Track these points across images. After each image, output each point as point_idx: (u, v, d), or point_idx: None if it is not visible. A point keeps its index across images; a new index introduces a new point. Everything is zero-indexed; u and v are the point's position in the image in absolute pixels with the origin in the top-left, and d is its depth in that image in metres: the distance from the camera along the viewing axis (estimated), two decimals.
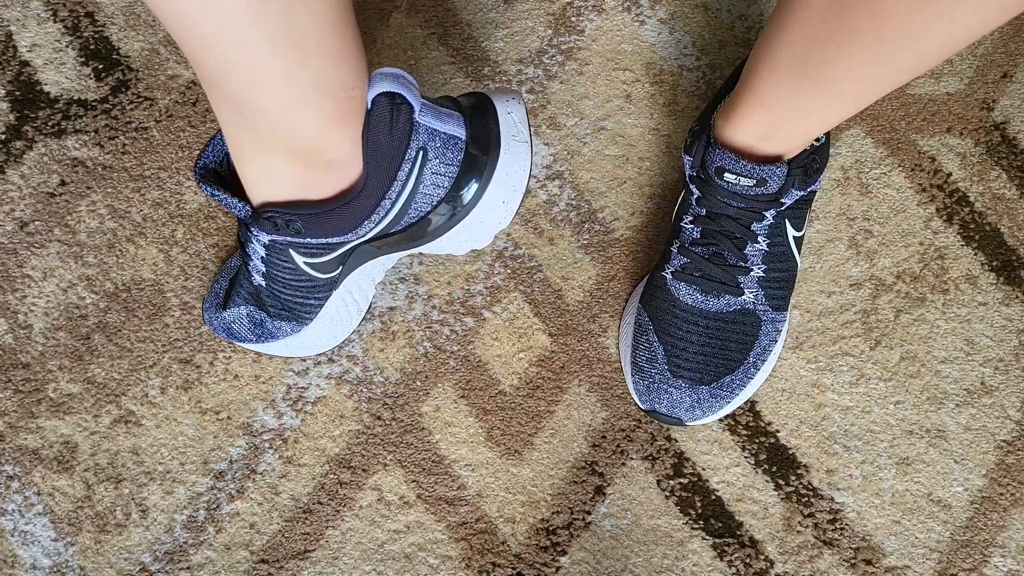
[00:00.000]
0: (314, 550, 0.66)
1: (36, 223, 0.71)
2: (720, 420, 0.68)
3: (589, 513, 0.67)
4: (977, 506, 0.67)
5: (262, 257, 0.59)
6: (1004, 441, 0.68)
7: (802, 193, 0.59)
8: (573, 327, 0.70)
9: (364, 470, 0.67)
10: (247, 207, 0.54)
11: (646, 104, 0.73)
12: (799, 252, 0.65)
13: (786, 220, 0.62)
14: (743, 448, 0.67)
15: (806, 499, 0.67)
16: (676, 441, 0.68)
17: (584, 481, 0.67)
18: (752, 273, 0.63)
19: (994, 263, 0.70)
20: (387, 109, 0.51)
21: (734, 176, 0.58)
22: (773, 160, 0.58)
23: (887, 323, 0.69)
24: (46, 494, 0.67)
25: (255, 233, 0.56)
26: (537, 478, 0.67)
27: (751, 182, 0.58)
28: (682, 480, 0.67)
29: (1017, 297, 0.70)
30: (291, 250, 0.57)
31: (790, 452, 0.67)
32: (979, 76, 0.73)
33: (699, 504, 0.67)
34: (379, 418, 0.68)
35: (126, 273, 0.70)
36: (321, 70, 0.45)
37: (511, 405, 0.68)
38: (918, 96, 0.73)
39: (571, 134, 0.73)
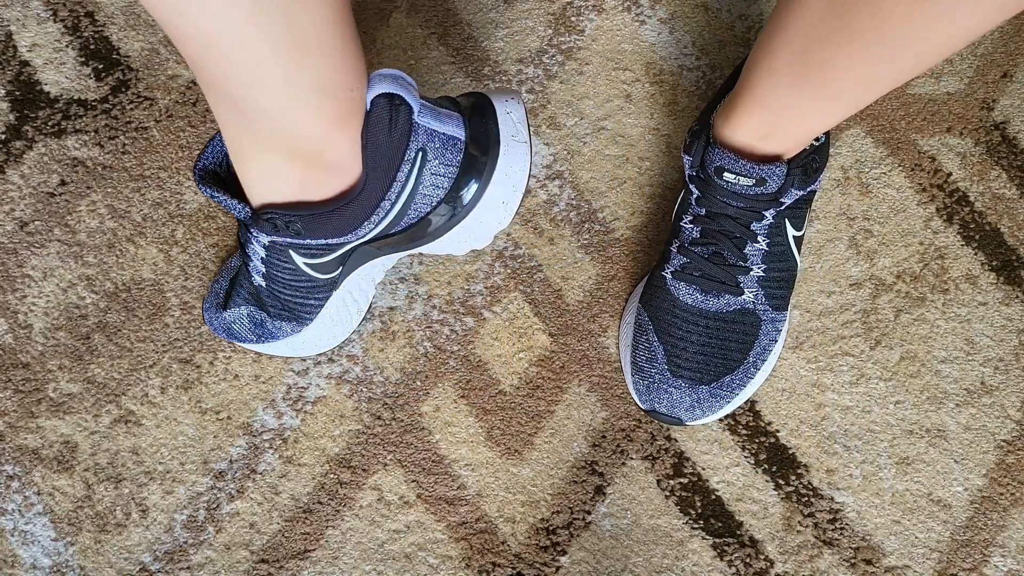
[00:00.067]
0: (314, 550, 0.66)
1: (36, 223, 0.71)
2: (720, 420, 0.68)
3: (589, 513, 0.67)
4: (977, 506, 0.67)
5: (262, 258, 0.59)
6: (1004, 441, 0.68)
7: (802, 193, 0.59)
8: (573, 327, 0.70)
9: (364, 470, 0.67)
10: (247, 208, 0.54)
11: (646, 104, 0.73)
12: (799, 252, 0.65)
13: (786, 220, 0.62)
14: (743, 448, 0.67)
15: (806, 499, 0.67)
16: (676, 441, 0.68)
17: (584, 481, 0.67)
18: (752, 273, 0.63)
19: (994, 263, 0.70)
20: (386, 110, 0.51)
21: (733, 176, 0.58)
22: (773, 160, 0.58)
23: (887, 323, 0.69)
24: (46, 494, 0.67)
25: (255, 234, 0.56)
26: (537, 478, 0.67)
27: (750, 182, 0.58)
28: (682, 480, 0.67)
29: (1017, 297, 0.70)
30: (291, 251, 0.57)
31: (790, 452, 0.67)
32: (979, 76, 0.73)
33: (699, 504, 0.67)
34: (379, 418, 0.68)
35: (126, 273, 0.70)
36: (321, 70, 0.45)
37: (511, 405, 0.68)
38: (918, 96, 0.73)
39: (571, 134, 0.73)
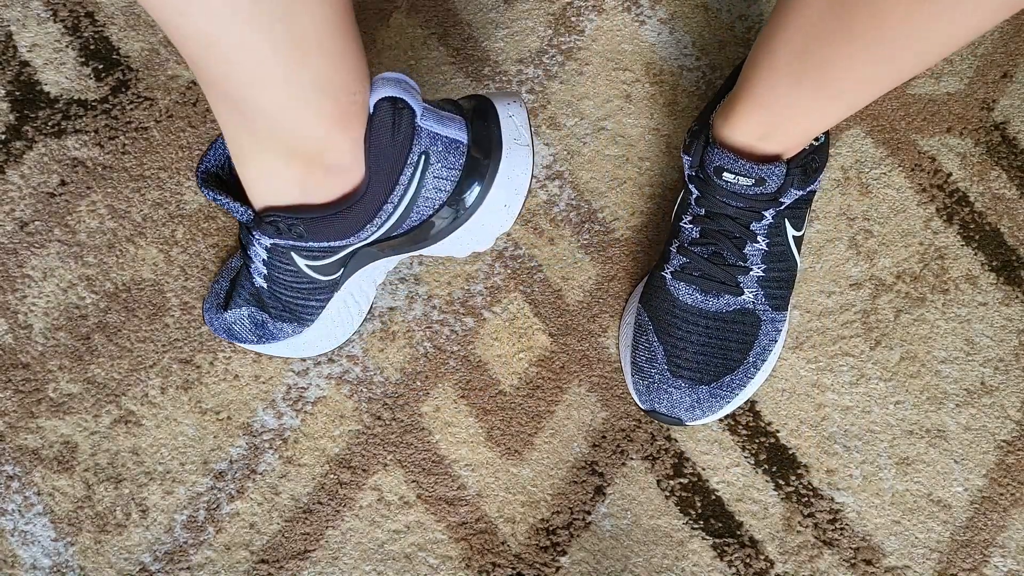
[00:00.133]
0: (314, 550, 0.66)
1: (36, 223, 0.71)
2: (720, 420, 0.68)
3: (589, 513, 0.67)
4: (977, 506, 0.66)
5: (263, 260, 0.59)
6: (1004, 441, 0.68)
7: (801, 193, 0.59)
8: (573, 327, 0.70)
9: (364, 470, 0.67)
10: (249, 211, 0.54)
11: (646, 104, 0.73)
12: (799, 252, 0.65)
13: (786, 220, 0.62)
14: (743, 448, 0.67)
15: (806, 499, 0.67)
16: (676, 441, 0.68)
17: (584, 481, 0.67)
18: (752, 273, 0.63)
19: (994, 263, 0.70)
20: (389, 114, 0.51)
21: (733, 176, 0.58)
22: (772, 159, 0.58)
23: (887, 323, 0.69)
24: (46, 494, 0.67)
25: (257, 237, 0.56)
26: (537, 478, 0.67)
27: (750, 181, 0.58)
28: (682, 480, 0.67)
29: (1017, 297, 0.70)
30: (293, 253, 0.57)
31: (790, 452, 0.67)
32: (979, 76, 0.73)
33: (699, 504, 0.67)
34: (379, 418, 0.68)
35: (126, 273, 0.70)
36: (321, 71, 0.45)
37: (511, 405, 0.68)
38: (918, 96, 0.73)
39: (571, 134, 0.73)
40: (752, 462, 0.67)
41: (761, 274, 0.63)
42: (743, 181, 0.58)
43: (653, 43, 0.74)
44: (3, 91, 0.73)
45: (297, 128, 0.48)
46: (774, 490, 0.67)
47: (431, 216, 0.58)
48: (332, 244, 0.56)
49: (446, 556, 0.66)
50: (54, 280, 0.70)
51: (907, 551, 0.66)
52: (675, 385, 0.64)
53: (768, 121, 0.55)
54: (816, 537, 0.66)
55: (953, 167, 0.72)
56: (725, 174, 0.58)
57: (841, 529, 0.66)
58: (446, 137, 0.55)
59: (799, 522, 0.66)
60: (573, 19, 0.75)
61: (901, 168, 0.72)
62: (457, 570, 0.66)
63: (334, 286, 0.62)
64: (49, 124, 0.72)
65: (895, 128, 0.73)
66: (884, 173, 0.72)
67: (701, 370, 0.64)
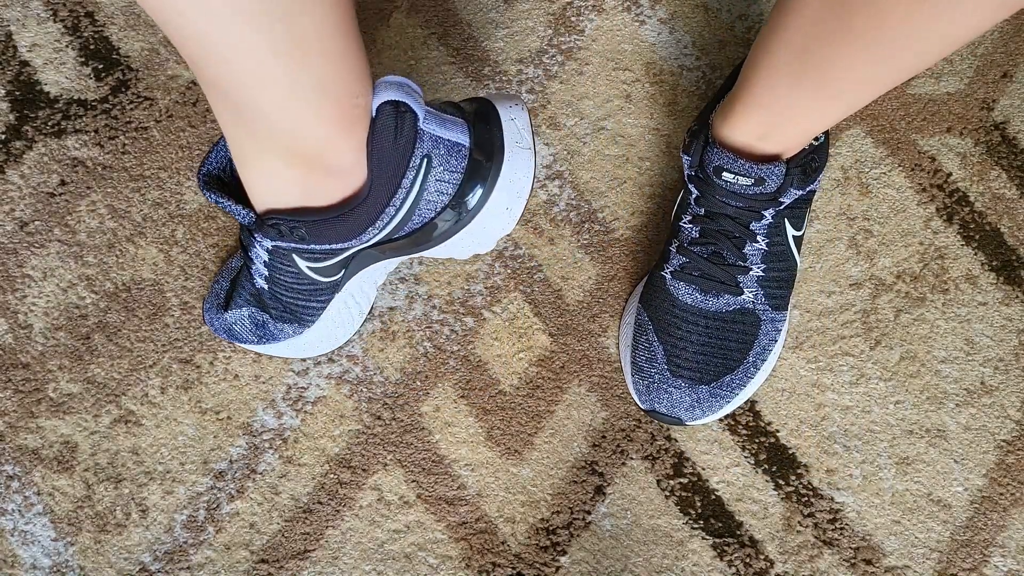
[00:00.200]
0: (314, 550, 0.66)
1: (36, 223, 0.71)
2: (720, 420, 0.68)
3: (589, 513, 0.67)
4: (977, 506, 0.66)
5: (265, 261, 0.59)
6: (1004, 441, 0.68)
7: (801, 192, 0.59)
8: (573, 327, 0.70)
9: (364, 470, 0.67)
10: (251, 214, 0.54)
11: (646, 104, 0.73)
12: (799, 252, 0.65)
13: (785, 220, 0.62)
14: (743, 448, 0.67)
15: (806, 499, 0.67)
16: (676, 441, 0.68)
17: (584, 481, 0.67)
18: (751, 273, 0.63)
19: (994, 263, 0.70)
20: (392, 117, 0.51)
21: (732, 175, 0.58)
22: (771, 159, 0.58)
23: (887, 323, 0.69)
24: (46, 494, 0.67)
25: (258, 239, 0.56)
26: (537, 478, 0.67)
27: (749, 181, 0.58)
28: (682, 480, 0.67)
29: (1017, 297, 0.70)
30: (294, 255, 0.57)
31: (790, 452, 0.67)
32: (979, 76, 0.73)
33: (699, 504, 0.67)
34: (379, 418, 0.68)
35: (126, 273, 0.70)
36: (323, 73, 0.45)
37: (511, 405, 0.68)
38: (918, 96, 0.73)
39: (571, 134, 0.73)
40: (752, 462, 0.67)
41: (761, 274, 0.63)
42: (743, 181, 0.58)
43: (653, 43, 0.74)
44: (3, 91, 0.73)
45: (299, 131, 0.48)
46: (774, 490, 0.67)
47: (433, 219, 0.58)
48: (334, 246, 0.56)
49: (446, 556, 0.66)
50: (54, 280, 0.70)
51: (907, 551, 0.66)
52: (675, 385, 0.64)
53: (767, 121, 0.55)
54: (816, 537, 0.66)
55: (953, 167, 0.72)
56: (725, 174, 0.58)
57: (841, 529, 0.66)
58: (448, 140, 0.55)
59: (799, 522, 0.66)
60: (573, 19, 0.75)
61: (901, 168, 0.72)
62: (457, 570, 0.66)
63: (335, 287, 0.62)
64: (49, 124, 0.72)
65: (895, 128, 0.73)
66: (884, 173, 0.72)
67: (701, 370, 0.64)
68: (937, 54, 0.44)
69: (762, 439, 0.68)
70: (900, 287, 0.70)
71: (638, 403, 0.66)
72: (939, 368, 0.68)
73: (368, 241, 0.57)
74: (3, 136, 0.72)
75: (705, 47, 0.74)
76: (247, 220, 0.54)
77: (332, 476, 0.67)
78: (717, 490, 0.67)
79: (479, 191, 0.58)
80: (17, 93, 0.73)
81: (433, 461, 0.67)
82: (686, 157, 0.61)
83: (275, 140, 0.49)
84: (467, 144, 0.57)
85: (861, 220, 0.71)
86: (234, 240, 0.71)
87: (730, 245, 0.62)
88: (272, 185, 0.52)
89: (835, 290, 0.70)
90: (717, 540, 0.66)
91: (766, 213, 0.60)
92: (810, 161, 0.59)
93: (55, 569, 0.66)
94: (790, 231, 0.63)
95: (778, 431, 0.68)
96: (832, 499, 0.67)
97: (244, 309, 0.64)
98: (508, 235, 0.71)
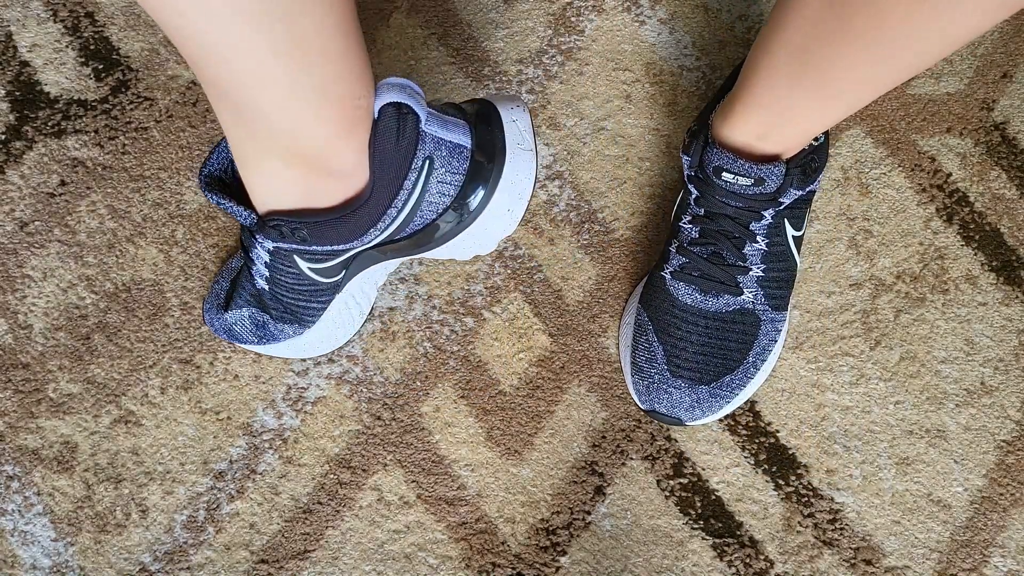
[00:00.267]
0: (314, 550, 0.66)
1: (36, 223, 0.71)
2: (720, 420, 0.68)
3: (589, 513, 0.67)
4: (977, 506, 0.66)
5: (266, 262, 0.59)
6: (1004, 441, 0.68)
7: (801, 193, 0.59)
8: (573, 327, 0.70)
9: (364, 470, 0.67)
10: (252, 215, 0.54)
11: (646, 104, 0.73)
12: (799, 252, 0.65)
13: (785, 220, 0.62)
14: (743, 448, 0.67)
15: (806, 499, 0.67)
16: (676, 441, 0.68)
17: (584, 481, 0.67)
18: (751, 273, 0.63)
19: (994, 263, 0.70)
20: (394, 119, 0.51)
21: (732, 176, 0.58)
22: (771, 159, 0.58)
23: (887, 323, 0.69)
24: (46, 494, 0.67)
25: (260, 240, 0.56)
26: (537, 478, 0.67)
27: (749, 181, 0.58)
28: (682, 480, 0.67)
29: (1017, 297, 0.70)
30: (295, 256, 0.57)
31: (790, 452, 0.67)
32: (979, 76, 0.73)
33: (699, 504, 0.67)
34: (379, 418, 0.68)
35: (126, 273, 0.70)
36: (325, 75, 0.45)
37: (511, 405, 0.68)
38: (918, 96, 0.73)
39: (571, 134, 0.73)
40: (752, 462, 0.67)
41: (761, 274, 0.63)
42: (742, 181, 0.58)
43: (653, 43, 0.74)
44: (3, 91, 0.73)
45: (300, 132, 0.48)
46: (774, 490, 0.67)
47: (435, 220, 0.58)
48: (335, 248, 0.56)
49: (446, 556, 0.66)
50: (54, 280, 0.70)
51: (907, 551, 0.66)
52: (675, 385, 0.64)
53: (767, 121, 0.55)
54: (816, 537, 0.66)
55: (953, 167, 0.72)
56: (724, 174, 0.58)
57: (841, 529, 0.66)
58: (450, 142, 0.55)
59: (799, 522, 0.66)
60: (573, 19, 0.75)
61: (901, 168, 0.72)
62: (457, 570, 0.66)
63: (336, 288, 0.62)
64: (49, 124, 0.72)
65: (895, 128, 0.73)
66: (884, 173, 0.72)
67: (701, 370, 0.64)
68: (937, 54, 0.44)
69: (762, 439, 0.68)
70: (900, 287, 0.70)
71: (638, 403, 0.66)
72: (939, 368, 0.68)
73: (370, 242, 0.57)
74: (3, 136, 0.72)
75: (705, 47, 0.74)
76: (249, 221, 0.54)
77: (332, 476, 0.67)
78: (717, 490, 0.67)
79: (481, 192, 0.58)
80: (17, 93, 0.73)
81: (433, 461, 0.67)
82: (686, 157, 0.61)
83: (276, 141, 0.49)
84: (469, 146, 0.57)
85: (861, 220, 0.71)
86: (234, 240, 0.71)
87: (730, 245, 0.62)
88: (274, 186, 0.52)
89: (835, 290, 0.70)
90: (717, 540, 0.66)
91: (766, 213, 0.60)
92: (810, 161, 0.59)
93: (55, 569, 0.66)
94: (790, 231, 0.63)
95: (778, 431, 0.68)
96: (832, 499, 0.67)
97: (244, 309, 0.64)
98: (509, 236, 0.71)
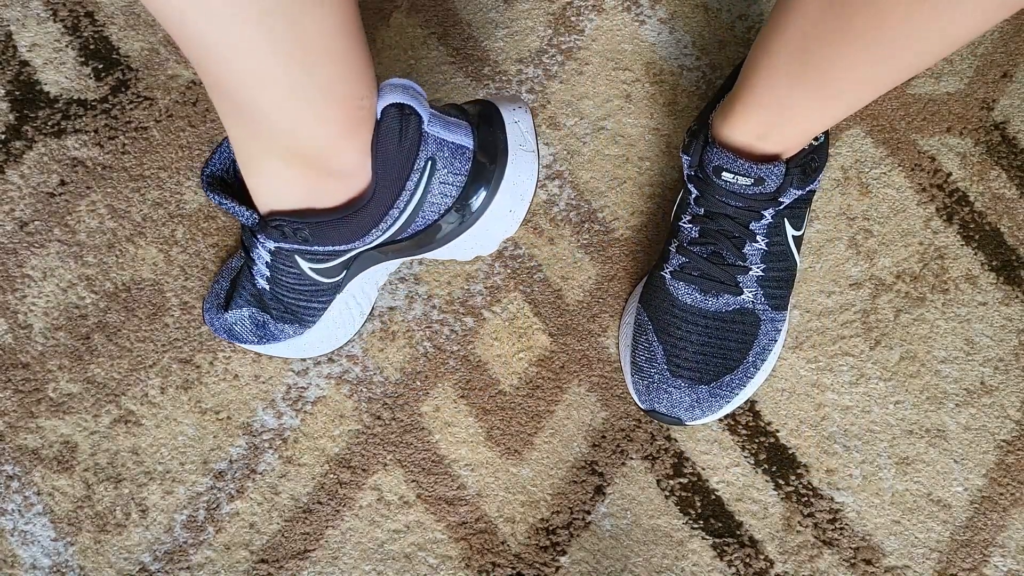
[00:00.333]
0: (314, 550, 0.66)
1: (36, 223, 0.71)
2: (720, 420, 0.68)
3: (589, 513, 0.67)
4: (977, 506, 0.66)
5: (267, 262, 0.59)
6: (1004, 441, 0.68)
7: (801, 192, 0.59)
8: (573, 327, 0.70)
9: (364, 470, 0.67)
10: (254, 215, 0.54)
11: (646, 104, 0.73)
12: (798, 252, 0.65)
13: (785, 219, 0.62)
14: (743, 448, 0.67)
15: (806, 499, 0.67)
16: (676, 441, 0.68)
17: (584, 481, 0.67)
18: (751, 272, 0.63)
19: (994, 263, 0.70)
20: (396, 120, 0.51)
21: (732, 175, 0.58)
22: (771, 159, 0.58)
23: (887, 323, 0.69)
24: (46, 494, 0.67)
25: (261, 240, 0.56)
26: (537, 478, 0.67)
27: (749, 181, 0.58)
28: (682, 480, 0.67)
29: (1017, 297, 0.70)
30: (297, 256, 0.57)
31: (790, 452, 0.67)
32: (979, 76, 0.73)
33: (699, 504, 0.67)
34: (379, 418, 0.68)
35: (126, 273, 0.70)
36: (328, 76, 0.45)
37: (511, 405, 0.68)
38: (918, 96, 0.73)
39: (571, 134, 0.73)
40: (752, 462, 0.67)
41: (760, 274, 0.63)
42: (742, 181, 0.58)
43: (653, 43, 0.74)
44: (3, 91, 0.73)
45: (303, 133, 0.48)
46: (774, 490, 0.67)
47: (437, 221, 0.58)
48: (337, 248, 0.56)
49: (446, 556, 0.66)
50: (54, 280, 0.70)
51: (907, 551, 0.66)
52: (675, 385, 0.64)
53: (767, 121, 0.55)
54: (816, 537, 0.66)
55: (953, 167, 0.72)
56: (724, 174, 0.58)
57: (841, 529, 0.66)
58: (452, 143, 0.55)
59: (799, 522, 0.66)
60: (573, 19, 0.75)
61: (901, 168, 0.72)
62: (457, 570, 0.66)
63: (336, 288, 0.62)
64: (49, 124, 0.72)
65: (895, 128, 0.73)
66: (884, 173, 0.72)
67: (701, 370, 0.64)
68: (937, 54, 0.44)
69: (762, 439, 0.68)
70: (900, 287, 0.70)
71: (638, 403, 0.66)
72: (939, 368, 0.68)
73: (371, 243, 0.57)
74: (3, 136, 0.72)
75: (705, 47, 0.74)
76: (250, 221, 0.54)
77: (332, 476, 0.67)
78: (717, 490, 0.67)
79: (483, 193, 0.58)
80: (17, 93, 0.73)
81: (433, 461, 0.67)
82: (686, 157, 0.61)
83: (279, 141, 0.49)
84: (471, 147, 0.57)
85: (861, 220, 0.71)
86: (234, 240, 0.71)
87: (730, 245, 0.62)
88: (276, 186, 0.52)
89: (835, 290, 0.70)
90: (717, 540, 0.66)
91: (766, 213, 0.60)
92: (810, 161, 0.59)
93: (55, 569, 0.66)
94: (790, 231, 0.63)
95: (778, 431, 0.68)
96: (832, 499, 0.67)
97: (244, 309, 0.64)
98: (509, 236, 0.71)
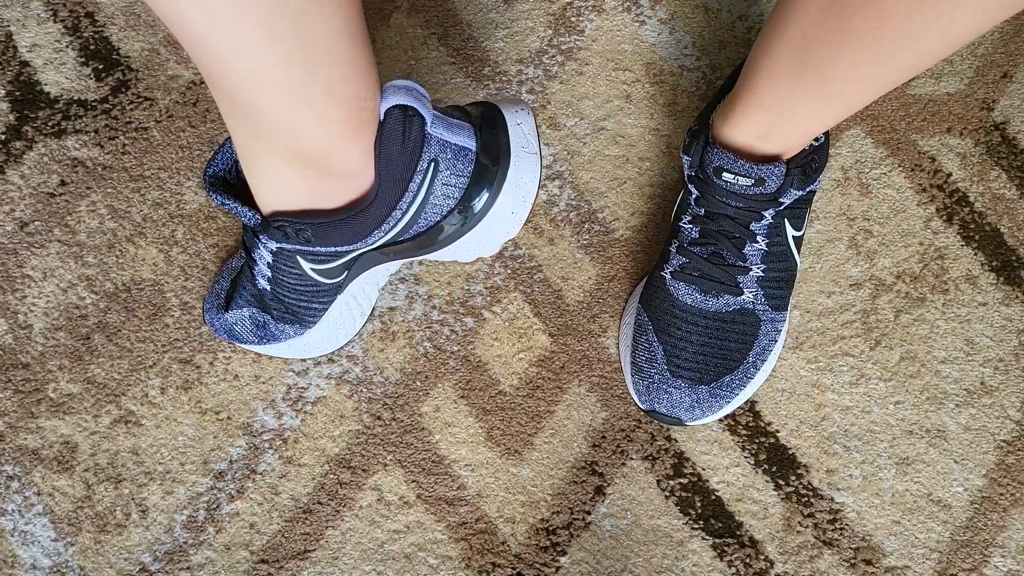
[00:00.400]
0: (314, 550, 0.66)
1: (36, 223, 0.71)
2: (720, 420, 0.68)
3: (589, 513, 0.67)
4: (977, 506, 0.67)
5: (268, 263, 0.59)
6: (1004, 441, 0.68)
7: (801, 193, 0.59)
8: (573, 327, 0.70)
9: (364, 470, 0.67)
10: (257, 216, 0.54)
11: (646, 104, 0.73)
12: (799, 252, 0.65)
13: (785, 220, 0.62)
14: (743, 448, 0.67)
15: (806, 499, 0.67)
16: (676, 441, 0.68)
17: (584, 481, 0.67)
18: (751, 273, 0.63)
19: (994, 263, 0.70)
20: (399, 121, 0.51)
21: (732, 176, 0.58)
22: (772, 160, 0.58)
23: (887, 323, 0.69)
24: (46, 494, 0.67)
25: (263, 240, 0.56)
26: (537, 478, 0.67)
27: (749, 182, 0.58)
28: (682, 480, 0.67)
29: (1017, 297, 0.70)
30: (298, 256, 0.57)
31: (790, 452, 0.67)
32: (979, 76, 0.73)
33: (699, 504, 0.67)
34: (379, 418, 0.68)
35: (126, 273, 0.70)
36: (330, 76, 0.45)
37: (511, 405, 0.68)
38: (918, 96, 0.73)
39: (571, 134, 0.73)
40: (752, 462, 0.67)
41: (761, 274, 0.63)
42: (743, 181, 0.58)
43: (653, 43, 0.74)
44: (3, 91, 0.73)
45: (306, 134, 0.48)
46: (774, 490, 0.67)
47: (439, 222, 0.58)
48: (339, 249, 0.56)
49: (446, 556, 0.66)
50: (54, 280, 0.70)
51: (907, 551, 0.66)
52: (675, 385, 0.64)
53: (768, 121, 0.55)
54: (816, 537, 0.66)
55: (953, 167, 0.72)
56: (725, 174, 0.58)
57: (841, 529, 0.66)
58: (455, 144, 0.55)
59: (799, 522, 0.66)
60: (573, 19, 0.75)
61: (901, 168, 0.72)
62: (457, 570, 0.66)
63: (338, 289, 0.62)
64: (49, 124, 0.72)
65: (895, 128, 0.73)
66: (884, 173, 0.72)
67: (701, 370, 0.64)
68: (937, 54, 0.44)
69: (762, 439, 0.68)
70: (900, 287, 0.70)
71: (638, 403, 0.66)
72: (939, 368, 0.69)
73: (374, 244, 0.57)
74: (3, 136, 0.72)
75: (705, 47, 0.74)
76: (253, 222, 0.54)
77: (332, 476, 0.67)
78: (717, 490, 0.67)
79: (485, 195, 0.58)
80: (17, 93, 0.73)
81: (433, 461, 0.67)
82: (686, 157, 0.61)
83: (284, 144, 0.48)
84: (474, 148, 0.57)
85: (861, 220, 0.71)
86: (234, 240, 0.71)
87: (730, 245, 0.62)
88: (278, 187, 0.52)
89: (835, 290, 0.70)
90: (717, 540, 0.66)
91: (766, 213, 0.60)
92: (810, 161, 0.59)
93: (55, 569, 0.66)
94: (790, 231, 0.63)
95: (778, 431, 0.68)
96: (832, 499, 0.67)
97: (245, 309, 0.64)
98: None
